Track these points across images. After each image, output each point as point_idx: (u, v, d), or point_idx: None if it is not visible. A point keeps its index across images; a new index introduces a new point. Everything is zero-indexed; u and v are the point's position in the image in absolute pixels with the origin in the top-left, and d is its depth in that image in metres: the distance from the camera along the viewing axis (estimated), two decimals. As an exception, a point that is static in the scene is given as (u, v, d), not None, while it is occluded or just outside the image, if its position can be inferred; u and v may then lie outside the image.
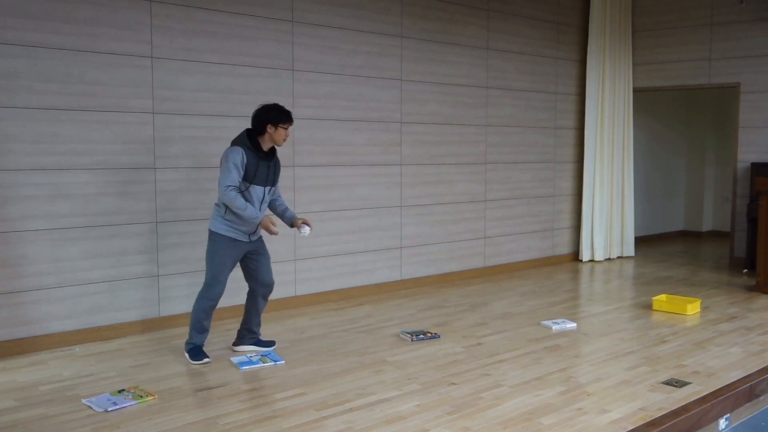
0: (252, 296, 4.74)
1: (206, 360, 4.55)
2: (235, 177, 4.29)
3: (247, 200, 4.38)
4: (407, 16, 6.82)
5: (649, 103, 10.10)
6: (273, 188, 4.56)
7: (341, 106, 6.36)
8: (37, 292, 4.83)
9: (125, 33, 5.08)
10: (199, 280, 5.54)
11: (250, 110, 5.76)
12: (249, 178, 4.36)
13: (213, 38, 5.53)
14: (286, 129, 4.45)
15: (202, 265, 5.53)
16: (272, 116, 4.39)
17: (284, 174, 6.01)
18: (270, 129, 4.40)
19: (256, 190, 4.42)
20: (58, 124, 4.84)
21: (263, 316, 5.83)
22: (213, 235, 4.48)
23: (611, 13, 8.63)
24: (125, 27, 5.08)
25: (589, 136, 8.61)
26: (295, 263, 6.14)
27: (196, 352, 4.57)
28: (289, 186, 6.05)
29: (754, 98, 8.18)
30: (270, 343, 4.88)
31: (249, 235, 4.54)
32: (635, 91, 9.01)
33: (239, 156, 4.31)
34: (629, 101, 8.91)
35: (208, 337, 4.72)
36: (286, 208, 4.70)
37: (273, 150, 4.52)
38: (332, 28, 6.24)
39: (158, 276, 5.37)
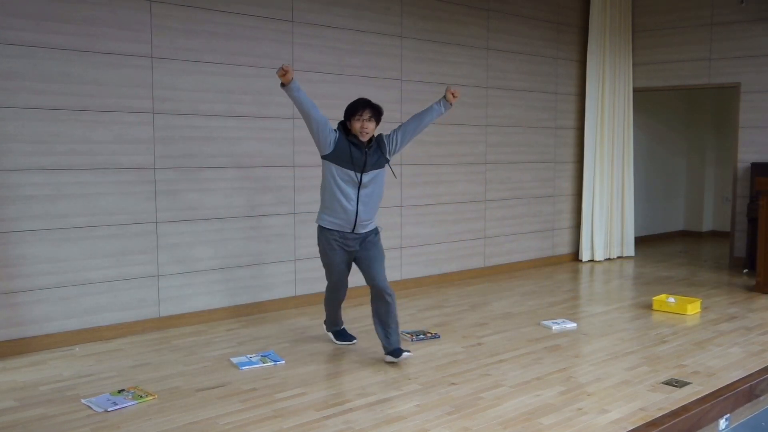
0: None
1: None
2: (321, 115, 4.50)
3: (337, 182, 4.51)
4: (407, 16, 6.82)
5: (649, 103, 10.09)
6: (373, 171, 4.56)
7: (341, 106, 6.30)
8: (38, 292, 4.83)
9: (125, 33, 5.08)
10: (199, 279, 5.57)
11: (250, 110, 5.83)
12: (339, 160, 4.49)
13: (213, 38, 5.52)
14: (360, 121, 4.50)
15: (202, 265, 5.56)
16: (346, 111, 4.59)
17: (284, 174, 6.03)
18: (349, 124, 4.58)
19: (348, 173, 4.51)
20: (58, 124, 4.84)
21: (263, 315, 5.85)
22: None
23: (611, 13, 8.62)
24: (125, 27, 5.08)
25: (589, 136, 8.61)
26: (295, 263, 6.14)
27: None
28: (290, 186, 6.05)
29: (754, 98, 8.18)
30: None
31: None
32: (635, 91, 9.01)
33: (333, 132, 4.52)
34: (629, 101, 8.91)
35: None
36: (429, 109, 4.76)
37: (370, 138, 4.61)
38: (332, 28, 6.24)
39: (158, 276, 5.37)
